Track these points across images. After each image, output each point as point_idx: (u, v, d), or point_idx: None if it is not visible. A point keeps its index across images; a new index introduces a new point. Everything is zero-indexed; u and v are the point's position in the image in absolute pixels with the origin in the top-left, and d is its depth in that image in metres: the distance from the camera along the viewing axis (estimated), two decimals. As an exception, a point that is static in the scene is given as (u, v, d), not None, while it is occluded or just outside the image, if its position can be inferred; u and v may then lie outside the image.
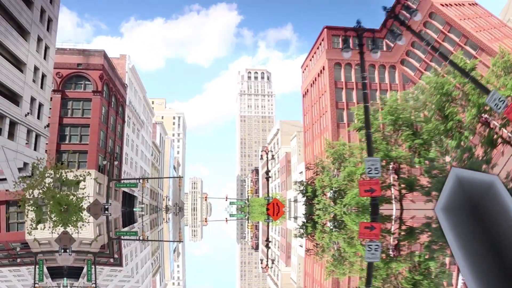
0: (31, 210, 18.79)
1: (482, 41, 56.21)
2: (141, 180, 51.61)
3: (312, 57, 70.40)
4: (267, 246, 14.72)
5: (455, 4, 65.38)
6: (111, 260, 11.11)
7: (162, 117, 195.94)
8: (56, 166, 21.07)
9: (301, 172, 79.66)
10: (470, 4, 69.10)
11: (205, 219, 68.58)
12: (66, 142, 53.70)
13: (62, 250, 11.16)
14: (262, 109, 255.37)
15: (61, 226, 17.34)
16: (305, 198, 31.91)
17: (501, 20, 69.49)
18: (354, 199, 30.22)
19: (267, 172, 36.29)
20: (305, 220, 32.86)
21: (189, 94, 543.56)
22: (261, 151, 39.15)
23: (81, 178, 21.68)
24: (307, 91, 72.72)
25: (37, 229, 16.87)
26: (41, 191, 19.51)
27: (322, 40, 66.98)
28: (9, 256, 11.93)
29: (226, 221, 58.26)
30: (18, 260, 10.92)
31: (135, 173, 78.86)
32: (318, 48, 70.03)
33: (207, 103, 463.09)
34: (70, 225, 17.55)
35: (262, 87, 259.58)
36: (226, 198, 76.01)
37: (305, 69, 75.60)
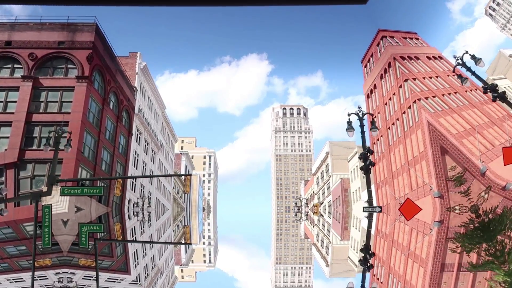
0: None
1: (421, 113, 38.08)
2: (115, 182, 32.44)
3: (381, 39, 51.79)
4: (367, 263, 7.58)
5: (402, 57, 45.94)
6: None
7: (192, 157, 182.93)
8: None
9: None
10: (429, 58, 47.90)
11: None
12: (34, 147, 36.57)
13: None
14: (299, 146, 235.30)
15: None
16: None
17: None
18: None
19: (366, 154, 16.70)
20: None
21: (221, 143, 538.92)
22: (358, 111, 18.06)
23: None
24: (374, 87, 53.47)
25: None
26: None
27: (382, 39, 49.26)
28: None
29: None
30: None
31: (146, 204, 60.37)
32: (378, 46, 52.40)
33: (238, 152, 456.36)
34: None
35: (298, 123, 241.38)
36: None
37: (368, 61, 56.83)
